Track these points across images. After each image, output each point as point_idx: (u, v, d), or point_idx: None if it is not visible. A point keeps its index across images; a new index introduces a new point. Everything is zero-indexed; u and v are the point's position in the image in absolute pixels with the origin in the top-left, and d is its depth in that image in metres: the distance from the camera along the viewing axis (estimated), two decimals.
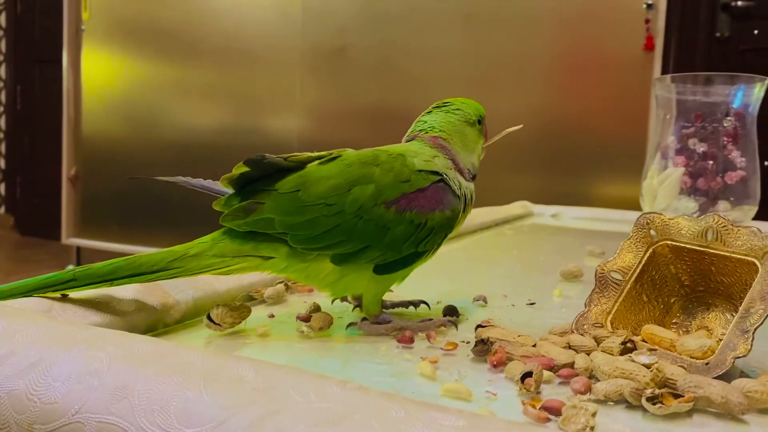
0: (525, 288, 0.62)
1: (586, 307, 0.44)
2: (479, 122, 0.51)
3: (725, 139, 0.81)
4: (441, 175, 0.46)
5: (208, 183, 0.47)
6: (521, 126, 0.53)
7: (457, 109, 0.50)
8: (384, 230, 0.43)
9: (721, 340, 0.37)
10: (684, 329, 0.43)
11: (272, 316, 0.48)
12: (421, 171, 0.45)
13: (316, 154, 0.46)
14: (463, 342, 0.43)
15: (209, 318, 0.43)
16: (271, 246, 0.43)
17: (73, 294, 0.42)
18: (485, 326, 0.43)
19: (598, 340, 0.40)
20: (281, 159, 0.44)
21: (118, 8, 2.70)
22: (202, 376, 0.28)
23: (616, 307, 0.43)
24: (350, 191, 0.43)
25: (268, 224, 0.42)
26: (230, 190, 0.44)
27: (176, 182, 0.46)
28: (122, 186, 2.68)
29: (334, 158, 0.45)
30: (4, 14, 3.56)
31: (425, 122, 0.50)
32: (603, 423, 0.31)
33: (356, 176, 0.43)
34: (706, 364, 0.36)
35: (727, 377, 0.34)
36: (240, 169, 0.43)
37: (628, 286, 0.44)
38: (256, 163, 0.43)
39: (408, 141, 0.50)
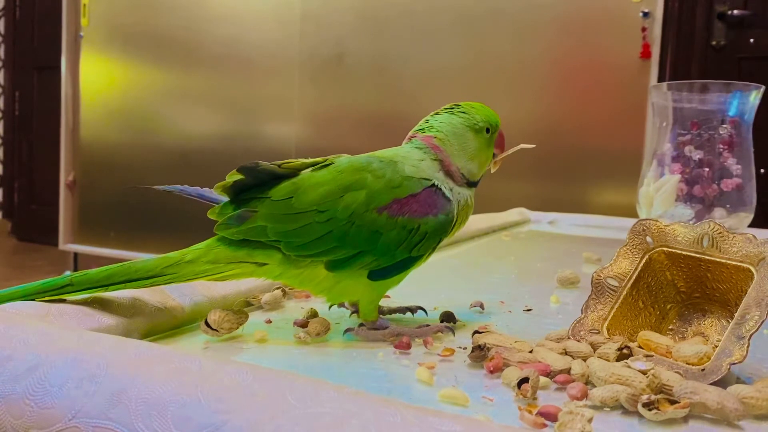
0: (522, 294, 0.62)
1: (582, 313, 0.44)
2: (487, 130, 0.49)
3: (721, 146, 0.81)
4: (433, 179, 0.46)
5: (205, 191, 0.47)
6: (534, 146, 0.51)
7: (463, 113, 0.48)
8: (377, 236, 0.43)
9: (716, 346, 0.37)
10: (680, 335, 0.43)
11: (269, 321, 0.48)
12: (411, 177, 0.45)
13: (310, 160, 0.46)
14: (461, 348, 0.43)
15: (206, 323, 0.43)
16: (265, 253, 0.43)
17: (70, 298, 0.42)
18: (482, 332, 0.43)
19: (594, 346, 0.40)
20: (275, 166, 0.44)
21: (117, 15, 2.70)
22: (199, 380, 0.28)
23: (612, 314, 0.43)
24: (342, 198, 0.43)
25: (261, 232, 0.42)
26: (226, 198, 0.44)
27: (174, 191, 0.47)
28: (120, 192, 2.68)
29: (327, 165, 0.45)
30: (2, 20, 3.57)
31: (427, 122, 0.49)
32: (599, 429, 0.31)
33: (348, 182, 0.43)
34: (702, 370, 0.36)
35: (722, 383, 0.34)
36: (234, 176, 0.43)
37: (625, 292, 0.44)
38: (250, 170, 0.43)
39: (408, 140, 0.50)
